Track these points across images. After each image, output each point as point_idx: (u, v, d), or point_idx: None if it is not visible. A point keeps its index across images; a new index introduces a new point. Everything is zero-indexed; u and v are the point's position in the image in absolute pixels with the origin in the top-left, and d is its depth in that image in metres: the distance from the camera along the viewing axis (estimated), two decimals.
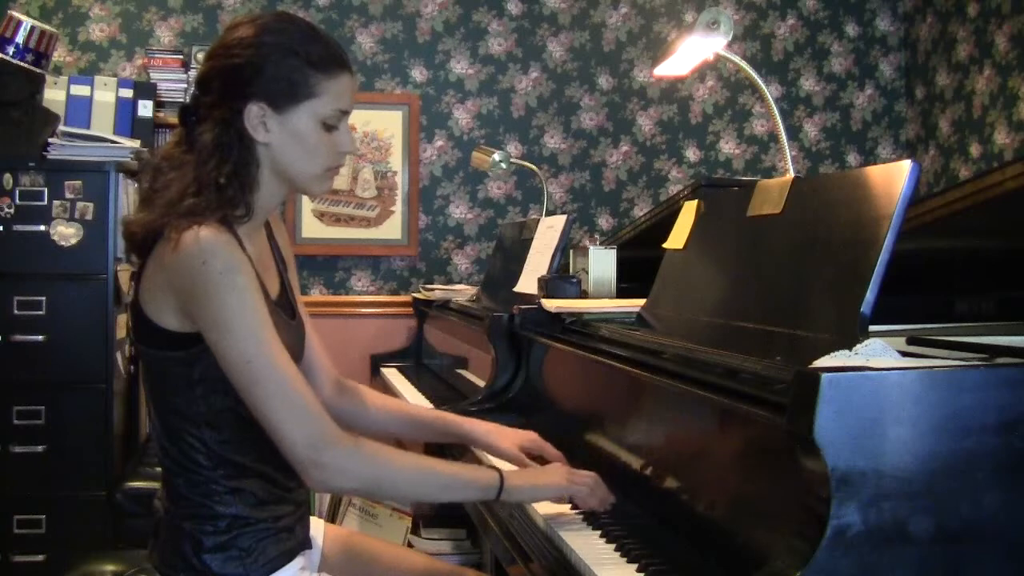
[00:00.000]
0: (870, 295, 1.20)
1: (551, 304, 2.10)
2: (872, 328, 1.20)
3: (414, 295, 3.71)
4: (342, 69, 1.42)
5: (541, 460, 1.65)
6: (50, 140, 2.99)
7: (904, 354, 1.11)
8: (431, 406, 2.48)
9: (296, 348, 1.52)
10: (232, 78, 1.37)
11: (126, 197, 3.13)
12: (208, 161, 1.36)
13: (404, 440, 1.98)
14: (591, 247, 2.43)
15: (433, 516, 3.01)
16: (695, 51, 1.73)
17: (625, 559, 1.27)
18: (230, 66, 1.38)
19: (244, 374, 1.29)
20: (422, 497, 1.54)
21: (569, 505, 1.51)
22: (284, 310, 1.51)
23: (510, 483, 1.41)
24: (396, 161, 3.94)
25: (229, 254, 1.31)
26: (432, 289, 3.48)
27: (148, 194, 1.40)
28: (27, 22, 3.02)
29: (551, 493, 1.47)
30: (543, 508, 1.51)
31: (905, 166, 1.24)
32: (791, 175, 1.57)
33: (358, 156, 3.89)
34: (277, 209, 1.62)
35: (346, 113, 1.44)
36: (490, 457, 1.72)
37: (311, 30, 1.42)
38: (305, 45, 1.38)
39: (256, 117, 1.38)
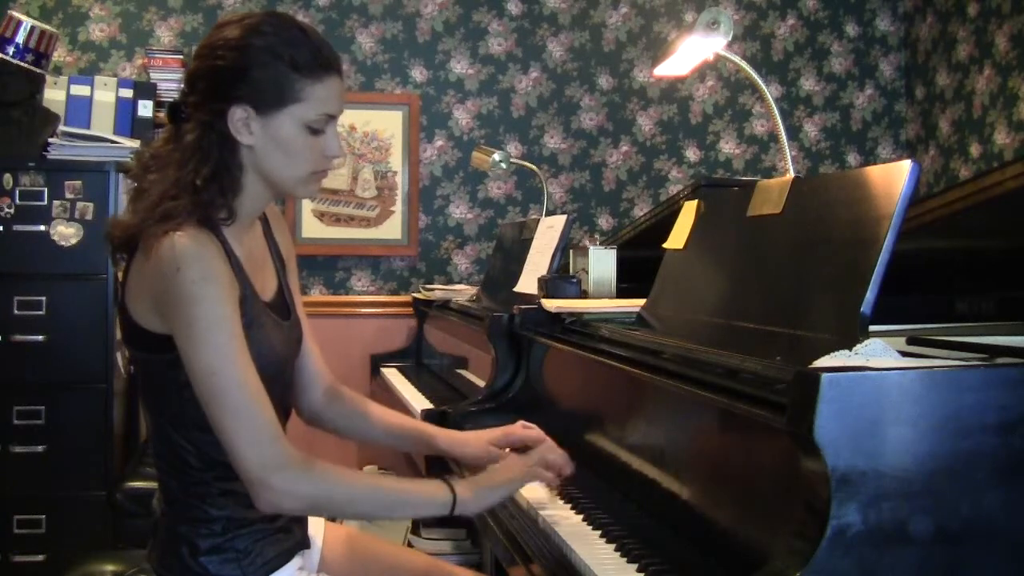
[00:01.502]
0: (870, 295, 1.20)
1: (551, 304, 2.10)
2: (872, 328, 1.20)
3: (414, 295, 3.71)
4: (330, 73, 1.38)
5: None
6: (50, 140, 3.00)
7: (904, 354, 1.11)
8: (431, 406, 2.48)
9: (288, 349, 1.50)
10: (216, 80, 1.36)
11: (126, 197, 3.13)
12: (188, 162, 1.35)
13: (396, 450, 1.96)
14: (591, 247, 2.43)
15: (434, 517, 3.00)
16: (695, 51, 1.72)
17: (625, 559, 1.27)
18: (215, 67, 1.36)
19: (207, 386, 1.28)
20: (376, 516, 1.51)
21: (561, 499, 1.51)
22: (277, 311, 1.49)
23: (462, 495, 1.38)
24: (396, 161, 3.94)
25: (205, 262, 1.29)
26: (432, 289, 3.48)
27: (136, 192, 1.40)
28: (27, 22, 3.02)
29: (509, 490, 1.45)
30: (544, 509, 1.51)
31: (905, 166, 1.24)
32: (791, 175, 1.56)
33: (358, 156, 3.89)
34: (274, 206, 1.61)
35: (333, 117, 1.41)
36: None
37: (300, 32, 1.38)
38: (291, 48, 1.35)
39: (239, 120, 1.36)
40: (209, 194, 1.34)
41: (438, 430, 1.71)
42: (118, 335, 3.02)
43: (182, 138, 1.38)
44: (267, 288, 1.48)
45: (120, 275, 3.03)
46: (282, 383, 1.50)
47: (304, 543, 1.52)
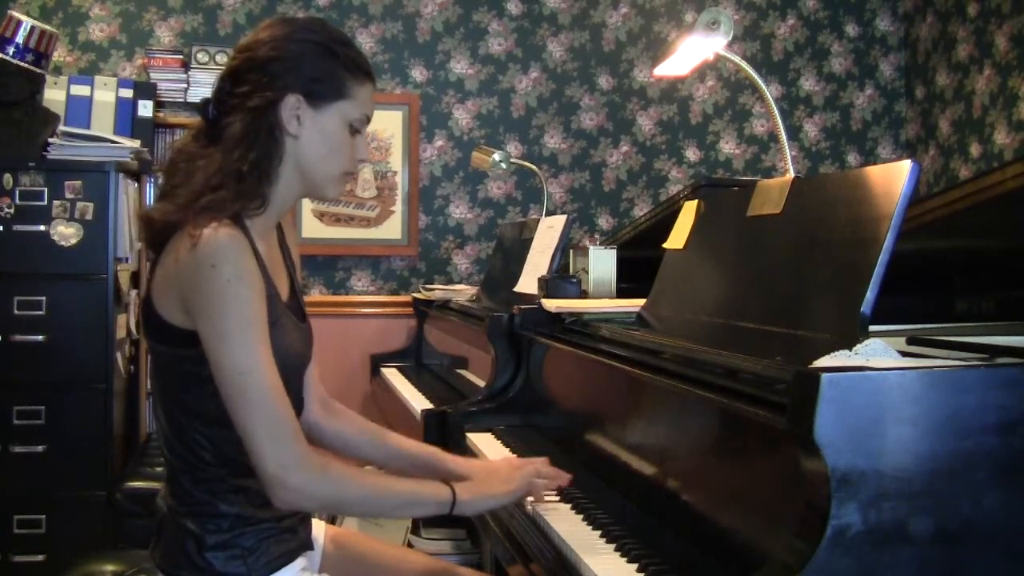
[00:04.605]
0: (870, 295, 1.20)
1: (551, 304, 2.10)
2: (872, 328, 1.20)
3: (414, 295, 3.71)
4: (370, 79, 1.48)
5: None
6: (50, 140, 2.99)
7: (904, 354, 1.11)
8: (431, 406, 2.48)
9: (305, 351, 1.53)
10: (272, 69, 1.41)
11: (126, 197, 3.13)
12: (234, 150, 1.39)
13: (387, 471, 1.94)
14: (591, 247, 2.43)
15: (433, 516, 3.00)
16: (695, 51, 1.72)
17: (625, 558, 1.27)
18: (269, 58, 1.41)
19: (234, 384, 1.30)
20: (383, 515, 1.57)
21: (561, 499, 1.51)
22: (294, 312, 1.51)
23: (460, 498, 1.44)
24: (396, 161, 3.94)
25: (241, 261, 1.32)
26: (432, 289, 3.48)
27: (165, 189, 1.42)
28: (27, 22, 3.02)
29: (507, 500, 1.51)
30: (544, 509, 1.51)
31: (905, 166, 1.24)
32: (791, 175, 1.57)
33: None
34: (288, 218, 1.63)
35: (369, 121, 1.49)
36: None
37: (345, 37, 1.48)
38: (343, 48, 1.44)
39: (292, 108, 1.41)
40: (251, 182, 1.38)
41: (453, 458, 1.67)
42: (118, 335, 3.03)
43: (221, 131, 1.41)
44: (283, 291, 1.51)
45: (121, 275, 3.02)
46: (298, 383, 1.53)
47: (308, 544, 1.53)
